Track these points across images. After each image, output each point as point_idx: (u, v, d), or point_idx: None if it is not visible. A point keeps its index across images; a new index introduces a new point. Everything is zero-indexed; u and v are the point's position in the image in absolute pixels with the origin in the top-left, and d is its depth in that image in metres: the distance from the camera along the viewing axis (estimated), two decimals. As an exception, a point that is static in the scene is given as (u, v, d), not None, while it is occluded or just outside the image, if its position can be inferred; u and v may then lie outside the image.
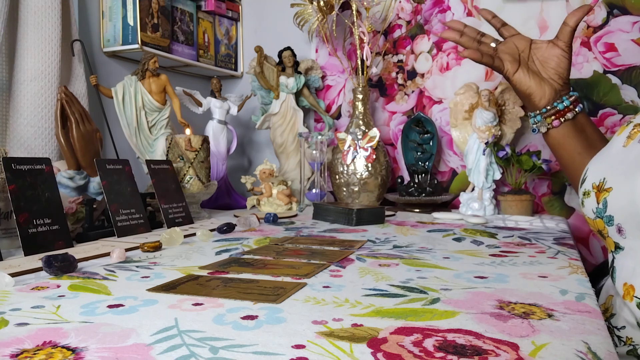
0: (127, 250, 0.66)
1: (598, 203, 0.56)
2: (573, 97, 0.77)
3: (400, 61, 1.40)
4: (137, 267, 0.57)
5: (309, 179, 1.32)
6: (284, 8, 1.40)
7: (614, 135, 0.62)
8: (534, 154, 1.10)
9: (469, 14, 1.29)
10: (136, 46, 1.16)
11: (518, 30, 0.83)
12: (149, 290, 0.46)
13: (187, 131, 1.05)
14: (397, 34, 1.40)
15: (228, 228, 0.83)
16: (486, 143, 1.13)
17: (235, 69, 1.59)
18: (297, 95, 1.39)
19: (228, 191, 1.35)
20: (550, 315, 0.38)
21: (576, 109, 0.77)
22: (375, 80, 1.43)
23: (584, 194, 0.60)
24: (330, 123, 1.43)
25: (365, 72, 1.28)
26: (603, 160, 0.59)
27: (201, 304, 0.41)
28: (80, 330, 0.35)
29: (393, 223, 0.97)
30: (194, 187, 1.02)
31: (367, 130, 1.26)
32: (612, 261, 0.59)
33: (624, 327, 0.57)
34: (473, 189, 1.17)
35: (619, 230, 0.55)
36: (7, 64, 0.98)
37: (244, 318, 0.37)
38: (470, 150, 1.17)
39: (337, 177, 1.27)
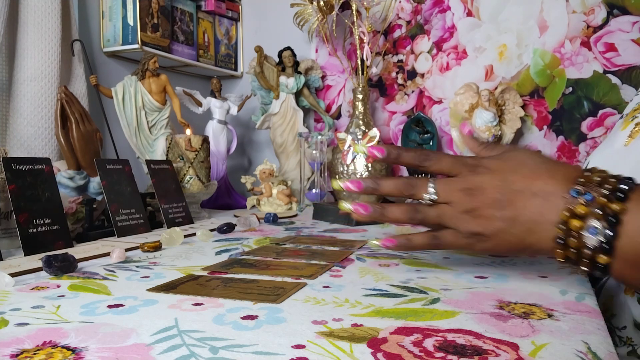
0: (127, 250, 0.66)
1: None
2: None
3: (400, 61, 1.40)
4: (137, 267, 0.57)
5: (309, 179, 1.32)
6: (284, 8, 1.40)
7: (615, 125, 0.62)
8: (534, 154, 1.10)
9: (469, 13, 1.29)
10: (136, 46, 1.16)
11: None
12: (149, 290, 0.46)
13: (187, 131, 1.05)
14: (397, 34, 1.40)
15: (228, 228, 0.83)
16: (486, 143, 1.13)
17: (235, 69, 1.59)
18: (297, 95, 1.39)
19: (228, 191, 1.35)
20: (550, 315, 0.38)
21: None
22: (375, 80, 1.43)
23: None
24: (330, 123, 1.43)
25: (365, 72, 1.28)
26: (605, 156, 0.59)
27: (201, 304, 0.41)
28: (80, 330, 0.35)
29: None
30: (194, 187, 1.02)
31: (367, 130, 1.26)
32: None
33: (625, 327, 0.57)
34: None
35: None
36: (7, 64, 0.98)
37: (244, 318, 0.37)
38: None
39: (337, 177, 1.27)
